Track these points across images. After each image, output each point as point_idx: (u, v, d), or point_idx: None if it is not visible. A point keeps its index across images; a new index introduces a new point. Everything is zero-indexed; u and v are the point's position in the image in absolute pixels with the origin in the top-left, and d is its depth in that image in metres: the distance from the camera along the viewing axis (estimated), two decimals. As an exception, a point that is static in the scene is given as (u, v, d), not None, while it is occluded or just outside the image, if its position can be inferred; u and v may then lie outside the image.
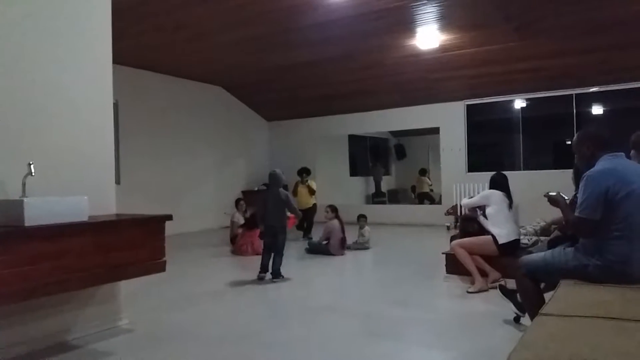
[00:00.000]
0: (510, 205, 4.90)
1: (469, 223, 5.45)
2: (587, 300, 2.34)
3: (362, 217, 7.82)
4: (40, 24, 3.43)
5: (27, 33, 3.34)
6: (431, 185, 13.54)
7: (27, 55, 3.34)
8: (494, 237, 4.77)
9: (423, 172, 13.86)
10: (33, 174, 3.06)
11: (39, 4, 3.43)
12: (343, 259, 6.99)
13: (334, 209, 7.48)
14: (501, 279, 4.61)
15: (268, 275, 5.56)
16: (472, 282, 4.80)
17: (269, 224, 5.62)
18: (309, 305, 4.54)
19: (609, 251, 2.60)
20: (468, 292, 4.69)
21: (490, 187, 5.10)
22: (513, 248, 4.74)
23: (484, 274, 4.80)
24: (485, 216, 4.95)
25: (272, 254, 5.57)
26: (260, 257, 5.77)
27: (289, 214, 5.83)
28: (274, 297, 5.01)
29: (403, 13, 6.80)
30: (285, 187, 5.92)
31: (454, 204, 9.58)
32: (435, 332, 3.71)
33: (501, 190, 4.95)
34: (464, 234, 5.43)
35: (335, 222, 7.29)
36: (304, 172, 9.47)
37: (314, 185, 9.35)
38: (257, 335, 3.63)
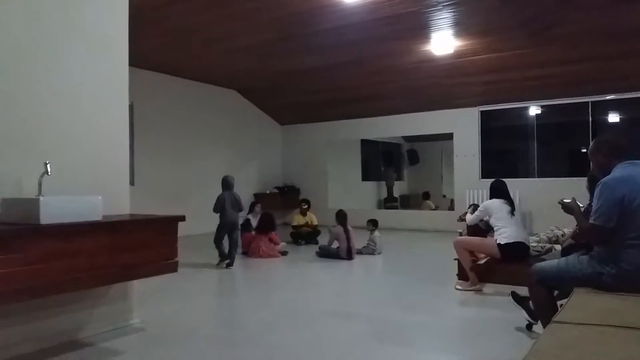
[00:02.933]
0: (512, 211, 4.92)
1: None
2: (601, 308, 2.32)
3: (371, 222, 7.78)
4: (58, 26, 3.48)
5: (44, 35, 3.40)
6: (435, 208, 13.45)
7: (43, 57, 3.39)
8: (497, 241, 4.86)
9: (426, 195, 13.81)
10: (49, 173, 3.10)
11: (57, 6, 3.48)
12: (352, 264, 6.97)
13: (338, 216, 7.48)
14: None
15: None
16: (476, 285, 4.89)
17: (229, 221, 6.57)
18: (317, 308, 4.54)
19: (624, 260, 2.57)
20: (457, 289, 4.92)
21: (490, 194, 5.20)
22: (517, 252, 4.72)
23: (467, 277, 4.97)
24: (489, 227, 5.04)
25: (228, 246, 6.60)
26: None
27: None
28: (282, 299, 5.01)
29: (417, 18, 6.79)
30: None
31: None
32: (444, 338, 3.69)
33: (501, 197, 5.04)
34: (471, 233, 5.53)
35: (340, 228, 7.28)
36: (304, 202, 9.40)
37: (314, 220, 9.22)
38: (265, 337, 3.63)
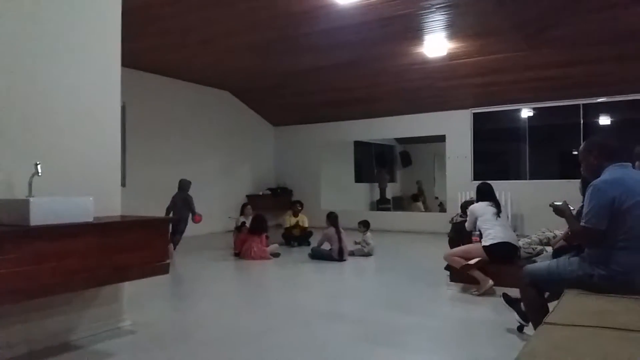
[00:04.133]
0: (497, 213, 4.98)
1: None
2: (592, 310, 2.33)
3: (362, 224, 7.80)
4: (50, 25, 3.46)
5: (36, 35, 3.38)
6: (424, 210, 13.46)
7: (35, 57, 3.37)
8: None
9: (416, 197, 13.83)
10: (40, 174, 3.08)
11: (48, 5, 3.46)
12: (345, 265, 6.97)
13: (329, 218, 7.50)
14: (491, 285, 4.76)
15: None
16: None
17: (183, 218, 7.70)
18: (310, 310, 4.53)
19: (614, 261, 2.59)
20: (473, 294, 4.81)
21: (477, 197, 5.29)
22: (503, 251, 4.76)
23: (476, 281, 4.89)
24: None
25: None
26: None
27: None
28: (275, 301, 5.00)
29: (411, 20, 6.81)
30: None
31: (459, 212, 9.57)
32: (436, 340, 3.69)
33: (487, 199, 5.12)
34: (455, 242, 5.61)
35: (332, 229, 7.30)
36: (298, 204, 9.35)
37: (305, 222, 9.15)
38: (257, 339, 3.62)
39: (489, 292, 4.77)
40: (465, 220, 5.41)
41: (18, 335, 3.20)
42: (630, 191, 2.59)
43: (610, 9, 6.25)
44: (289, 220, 9.11)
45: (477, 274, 4.82)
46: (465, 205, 6.07)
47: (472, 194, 9.76)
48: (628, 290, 2.52)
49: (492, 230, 4.83)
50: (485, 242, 4.81)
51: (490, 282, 4.76)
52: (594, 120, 9.78)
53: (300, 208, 9.17)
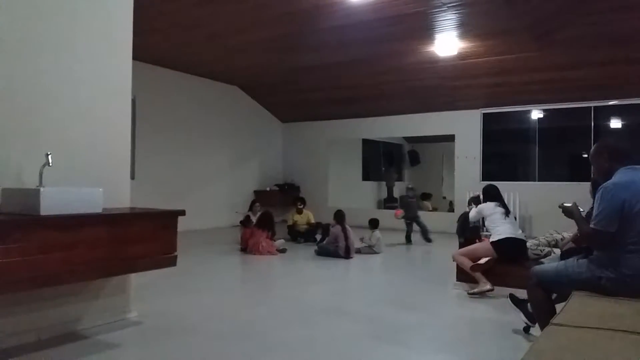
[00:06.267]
0: (505, 213, 5.08)
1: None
2: (599, 312, 2.32)
3: (370, 222, 7.83)
4: (62, 18, 3.48)
5: (49, 27, 3.40)
6: (432, 210, 13.39)
7: (48, 49, 3.39)
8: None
9: (425, 196, 13.77)
10: (50, 164, 3.10)
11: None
12: (351, 263, 6.97)
13: (336, 216, 7.52)
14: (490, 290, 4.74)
15: None
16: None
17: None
18: (315, 306, 4.54)
19: (623, 264, 2.57)
20: (469, 294, 4.80)
21: (483, 198, 5.41)
22: (510, 246, 4.79)
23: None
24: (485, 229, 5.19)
25: None
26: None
27: None
28: (280, 297, 5.01)
29: (422, 19, 6.78)
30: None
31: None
32: (441, 339, 3.69)
33: (493, 200, 5.23)
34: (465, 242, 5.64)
35: (338, 227, 7.31)
36: (299, 201, 9.36)
37: (312, 217, 9.18)
38: (262, 334, 3.63)
39: (485, 295, 4.75)
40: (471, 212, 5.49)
41: (26, 324, 3.23)
42: (640, 194, 2.57)
43: (620, 10, 6.19)
44: (292, 217, 9.15)
45: (478, 275, 4.84)
46: (472, 200, 6.12)
47: (481, 195, 9.80)
48: (636, 293, 2.51)
49: (500, 227, 4.93)
50: (493, 238, 4.89)
51: (489, 286, 4.74)
52: (605, 123, 9.69)
53: (302, 206, 9.19)
